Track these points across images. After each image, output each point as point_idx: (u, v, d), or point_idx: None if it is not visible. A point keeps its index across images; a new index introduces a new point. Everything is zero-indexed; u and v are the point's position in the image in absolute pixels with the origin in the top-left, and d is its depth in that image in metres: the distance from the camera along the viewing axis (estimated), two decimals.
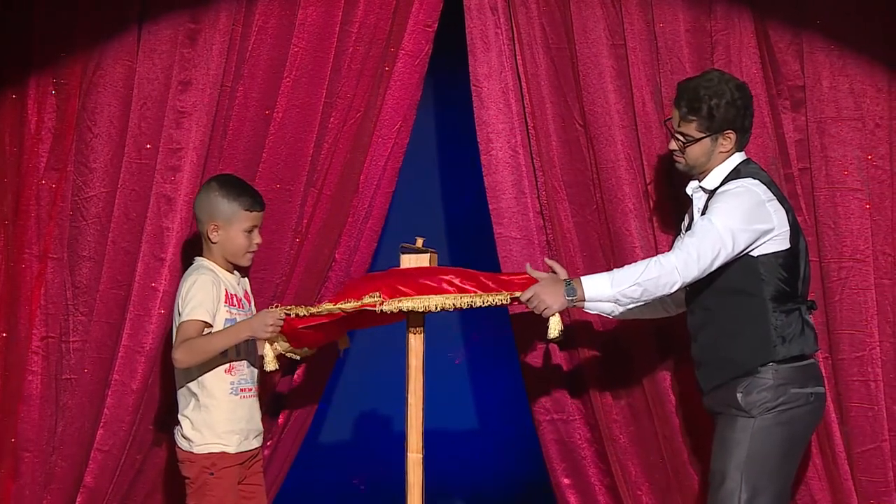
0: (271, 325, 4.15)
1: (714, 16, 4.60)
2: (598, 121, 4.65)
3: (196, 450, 4.19)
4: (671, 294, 4.10)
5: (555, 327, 4.17)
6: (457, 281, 4.23)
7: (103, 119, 4.69)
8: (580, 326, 4.69)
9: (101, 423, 4.65)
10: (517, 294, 4.19)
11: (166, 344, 4.60)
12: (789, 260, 4.11)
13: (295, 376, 4.76)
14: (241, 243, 4.26)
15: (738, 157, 4.19)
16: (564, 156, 4.71)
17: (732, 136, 4.15)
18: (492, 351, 5.50)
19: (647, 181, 4.62)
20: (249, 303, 4.35)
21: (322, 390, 4.89)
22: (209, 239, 4.26)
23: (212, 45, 4.65)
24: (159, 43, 4.68)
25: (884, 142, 4.56)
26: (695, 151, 4.17)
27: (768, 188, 4.12)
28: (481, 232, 4.89)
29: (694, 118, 4.14)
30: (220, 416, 4.20)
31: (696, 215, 4.19)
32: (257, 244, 4.29)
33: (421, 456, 4.34)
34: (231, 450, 4.20)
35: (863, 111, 4.56)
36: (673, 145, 4.21)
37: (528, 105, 4.71)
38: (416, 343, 4.37)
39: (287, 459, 4.86)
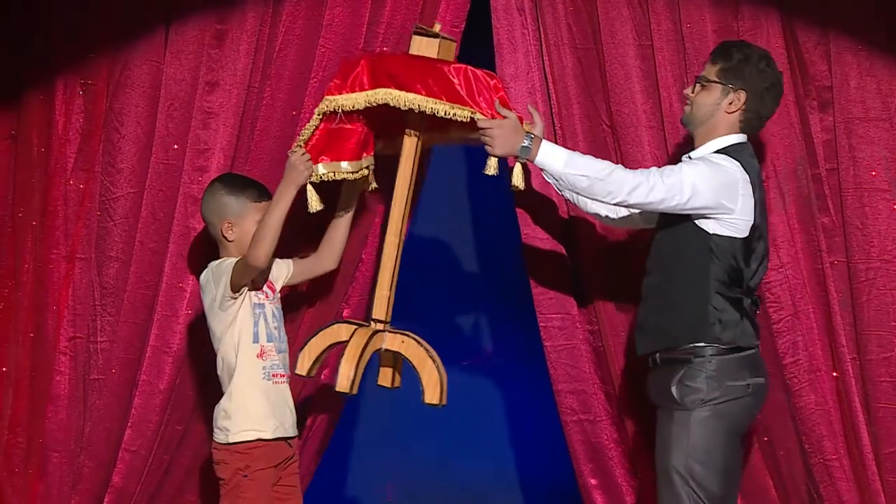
0: (302, 164, 4.17)
1: (741, 16, 4.59)
2: (625, 121, 4.65)
3: (232, 439, 4.19)
4: (614, 204, 4.07)
5: (491, 165, 4.17)
6: (431, 83, 4.16)
7: (130, 120, 4.71)
8: (609, 324, 4.69)
9: (129, 424, 4.66)
10: (480, 117, 4.12)
11: (193, 344, 4.61)
12: (743, 251, 4.05)
13: (322, 376, 4.76)
14: None
15: (736, 138, 4.15)
16: (591, 156, 4.69)
17: (742, 96, 4.11)
18: (517, 351, 5.49)
19: None
20: (273, 291, 4.35)
21: None
22: (225, 238, 4.27)
23: (239, 46, 4.66)
24: (186, 44, 4.69)
25: None
26: (702, 98, 4.15)
27: (749, 177, 4.07)
28: (507, 233, 4.88)
29: (719, 62, 4.14)
30: (253, 402, 4.20)
31: None
32: None
33: (398, 239, 4.32)
34: (267, 435, 4.19)
35: (890, 111, 4.55)
36: (688, 90, 4.20)
37: (554, 105, 4.70)
38: (409, 142, 4.33)
39: (314, 461, 4.85)
